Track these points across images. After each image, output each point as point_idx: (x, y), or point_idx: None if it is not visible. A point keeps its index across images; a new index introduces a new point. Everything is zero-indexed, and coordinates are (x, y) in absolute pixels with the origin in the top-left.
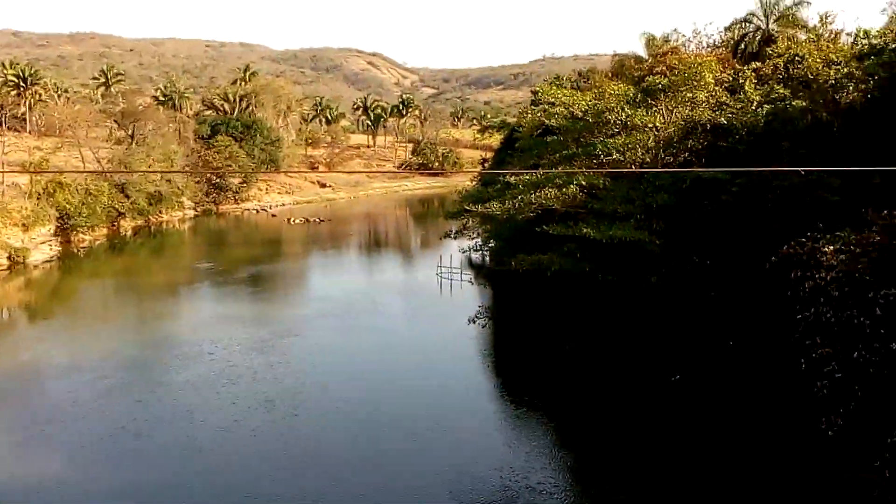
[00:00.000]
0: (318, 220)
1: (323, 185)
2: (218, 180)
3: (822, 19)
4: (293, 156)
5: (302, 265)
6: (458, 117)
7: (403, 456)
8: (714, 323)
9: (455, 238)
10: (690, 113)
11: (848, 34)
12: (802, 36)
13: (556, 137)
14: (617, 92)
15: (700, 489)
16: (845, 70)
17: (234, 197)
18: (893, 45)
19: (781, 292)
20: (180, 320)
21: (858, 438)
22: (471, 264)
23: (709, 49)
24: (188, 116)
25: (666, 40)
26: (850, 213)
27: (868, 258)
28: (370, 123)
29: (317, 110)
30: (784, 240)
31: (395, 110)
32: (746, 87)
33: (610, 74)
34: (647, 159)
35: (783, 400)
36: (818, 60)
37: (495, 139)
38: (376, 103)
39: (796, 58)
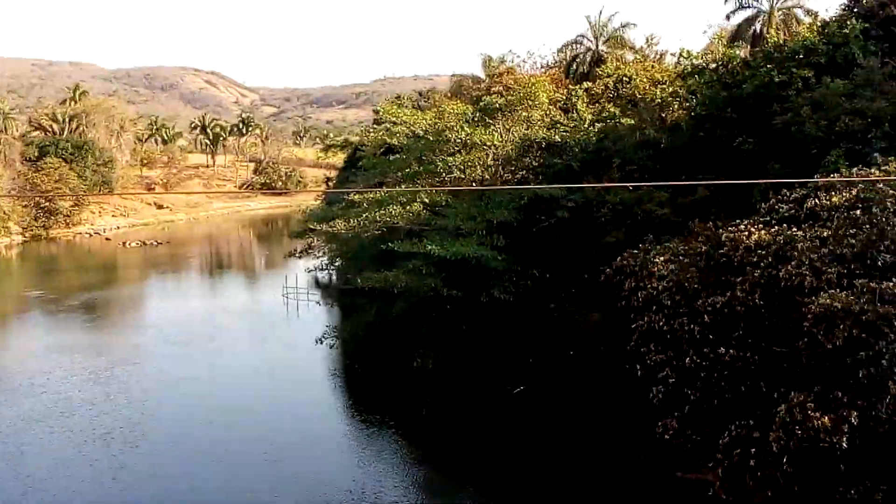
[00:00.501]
0: (155, 242)
1: (160, 207)
2: (47, 204)
3: (647, 41)
4: (127, 177)
5: (139, 290)
6: (300, 136)
7: (251, 482)
8: (555, 334)
9: (300, 257)
10: (527, 131)
11: (672, 55)
12: (630, 56)
13: (398, 156)
14: (456, 111)
15: (544, 497)
16: (670, 89)
17: (66, 221)
18: (714, 65)
19: (616, 302)
20: (8, 352)
21: (692, 441)
22: (317, 284)
23: (543, 69)
24: (14, 138)
25: (502, 61)
26: (678, 225)
27: (696, 267)
28: (209, 143)
29: (152, 130)
30: (618, 251)
31: (235, 129)
32: (579, 106)
33: (449, 94)
34: (487, 176)
35: (623, 406)
36: (645, 80)
37: (339, 158)
38: (215, 122)
39: (625, 78)
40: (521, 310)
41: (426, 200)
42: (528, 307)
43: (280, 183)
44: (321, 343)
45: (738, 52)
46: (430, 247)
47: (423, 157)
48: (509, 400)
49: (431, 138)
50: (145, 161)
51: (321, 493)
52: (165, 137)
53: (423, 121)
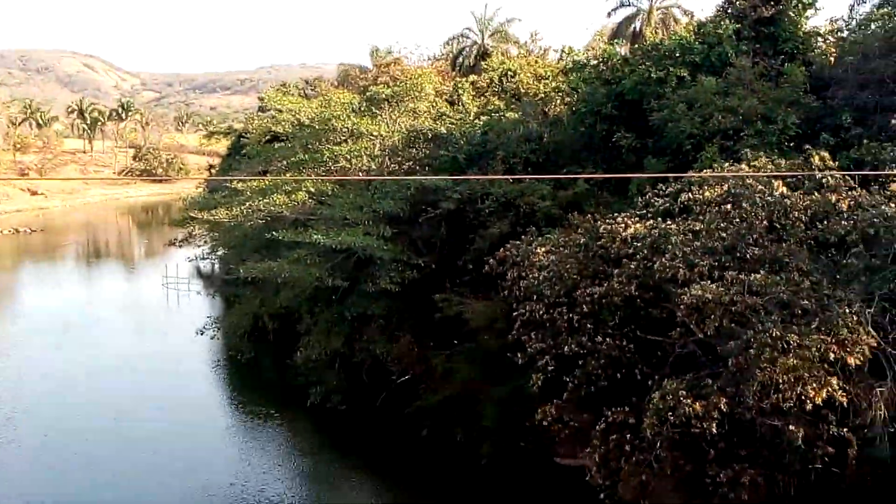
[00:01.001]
0: (29, 230)
1: (34, 193)
2: None
3: (531, 36)
4: None
5: (11, 279)
6: (182, 122)
7: (130, 480)
8: (440, 323)
9: (181, 247)
10: (413, 122)
11: (555, 51)
12: (515, 51)
13: (283, 144)
14: (343, 100)
15: (424, 481)
16: (553, 84)
17: None
18: (594, 62)
19: (500, 292)
20: None
21: (570, 427)
22: (199, 274)
23: (429, 62)
24: None
25: (389, 52)
26: (559, 218)
27: (575, 259)
28: (87, 127)
29: (26, 113)
30: (501, 243)
31: (114, 114)
32: (464, 99)
33: (336, 83)
34: (374, 167)
35: (505, 394)
36: (529, 75)
37: (222, 145)
38: (93, 106)
39: (509, 72)
40: (407, 299)
41: (312, 189)
42: (414, 296)
43: (161, 170)
44: (202, 334)
45: (618, 49)
46: (315, 236)
47: (309, 146)
48: (395, 388)
49: (317, 127)
50: (19, 146)
51: (203, 489)
52: (40, 121)
53: (310, 109)
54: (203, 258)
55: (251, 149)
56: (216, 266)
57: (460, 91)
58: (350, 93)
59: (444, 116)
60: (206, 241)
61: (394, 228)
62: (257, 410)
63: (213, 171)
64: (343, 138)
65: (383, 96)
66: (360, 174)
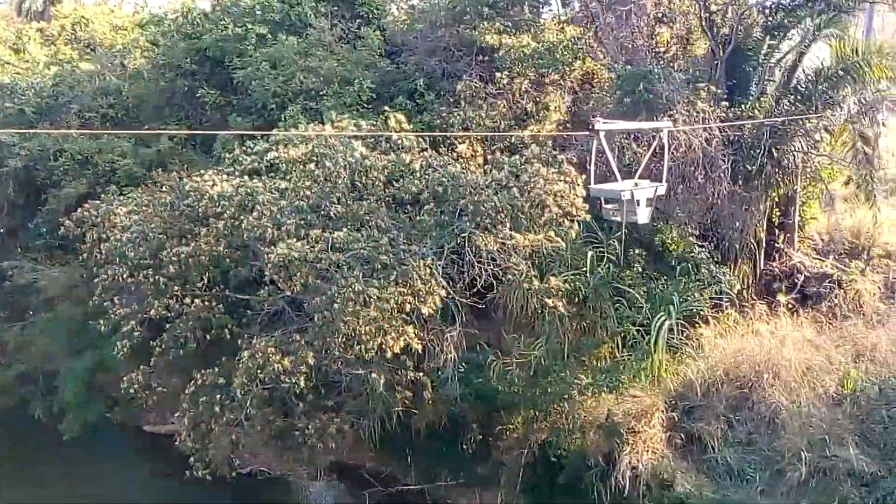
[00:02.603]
0: None
1: None
2: None
3: None
4: None
5: None
6: None
7: None
8: (11, 294)
9: None
10: None
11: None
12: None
13: None
14: None
15: None
16: (131, 36)
17: None
18: (174, 15)
19: (79, 256)
20: None
21: (159, 393)
22: None
23: None
24: None
25: None
26: (142, 176)
27: (161, 218)
28: None
29: None
30: (79, 203)
31: None
32: (31, 48)
33: None
34: None
35: (91, 366)
36: (104, 24)
37: None
38: None
39: (83, 20)
40: None
41: None
42: None
43: None
44: None
45: (199, 3)
46: None
47: None
48: None
49: None
50: None
51: None
52: None
53: None
54: None
55: None
56: None
57: (26, 39)
58: None
59: (7, 65)
60: None
61: None
62: None
63: None
64: None
65: None
66: None
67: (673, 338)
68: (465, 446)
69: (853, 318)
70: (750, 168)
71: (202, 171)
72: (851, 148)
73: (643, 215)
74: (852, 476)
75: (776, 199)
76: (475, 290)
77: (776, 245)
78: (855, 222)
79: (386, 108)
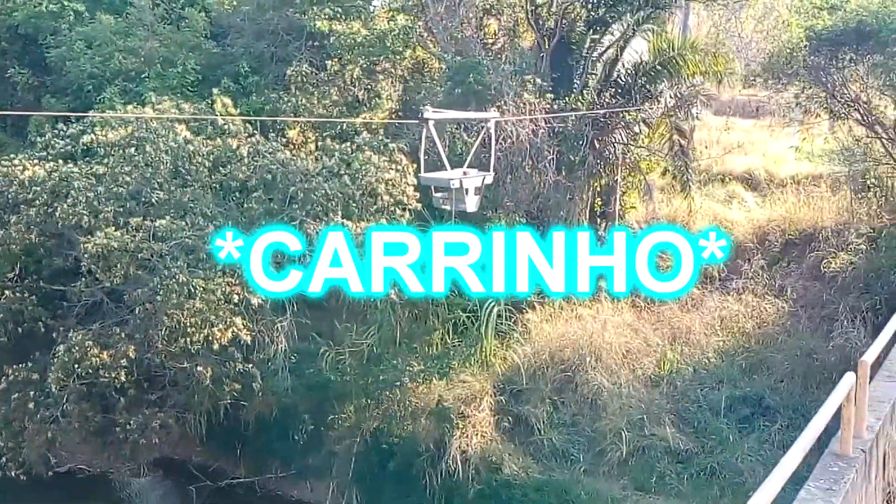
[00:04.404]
0: None
1: None
2: None
3: None
4: None
5: None
6: None
7: None
8: None
9: None
10: None
11: None
12: None
13: None
14: None
15: None
16: None
17: None
18: None
19: None
20: None
21: None
22: None
23: None
24: None
25: None
26: None
27: None
28: None
29: None
30: None
31: None
32: None
33: None
34: None
35: None
36: None
37: None
38: None
39: None
40: None
41: None
42: None
43: None
44: None
45: None
46: None
47: None
48: None
49: None
50: None
51: None
52: None
53: None
54: None
55: None
56: None
57: None
58: None
59: None
60: None
61: None
62: None
63: None
64: None
65: None
66: None
67: (502, 323)
68: (296, 437)
69: (669, 303)
70: (574, 159)
71: (12, 155)
72: (668, 140)
73: (472, 203)
74: (669, 454)
75: (598, 189)
76: None
77: (598, 233)
78: (671, 211)
79: (212, 91)
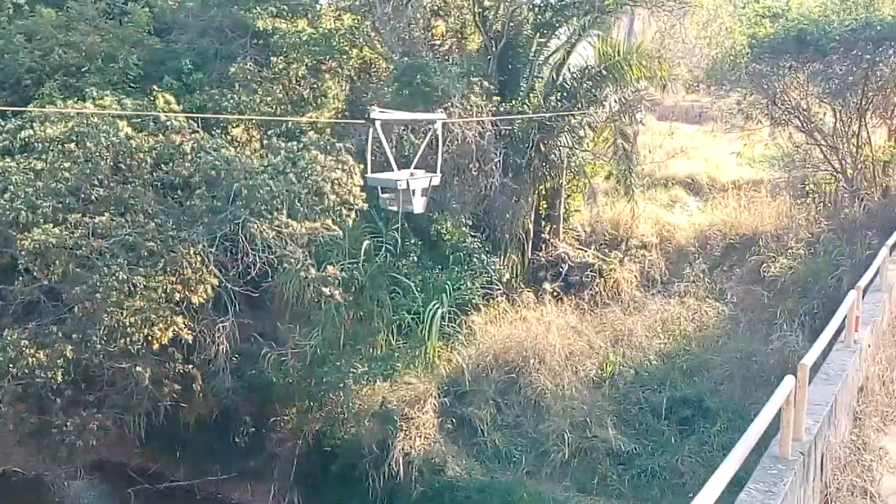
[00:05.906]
0: None
1: None
2: None
3: None
4: None
5: None
6: None
7: None
8: None
9: None
10: None
11: None
12: None
13: None
14: None
15: None
16: None
17: None
18: None
19: None
20: None
21: None
22: None
23: None
24: None
25: None
26: None
27: None
28: None
29: None
30: None
31: None
32: None
33: None
34: None
35: None
36: None
37: None
38: None
39: None
40: None
41: None
42: None
43: None
44: None
45: None
46: None
47: None
48: None
49: None
50: None
51: None
52: None
53: None
54: None
55: None
56: None
57: None
58: None
59: None
60: None
61: None
62: None
63: None
64: None
65: None
66: None
67: (446, 325)
68: (237, 439)
69: (612, 306)
70: (520, 161)
71: None
72: (612, 144)
73: (418, 205)
74: (611, 455)
75: (543, 192)
76: (249, 278)
77: (543, 236)
78: (615, 215)
79: (154, 87)
